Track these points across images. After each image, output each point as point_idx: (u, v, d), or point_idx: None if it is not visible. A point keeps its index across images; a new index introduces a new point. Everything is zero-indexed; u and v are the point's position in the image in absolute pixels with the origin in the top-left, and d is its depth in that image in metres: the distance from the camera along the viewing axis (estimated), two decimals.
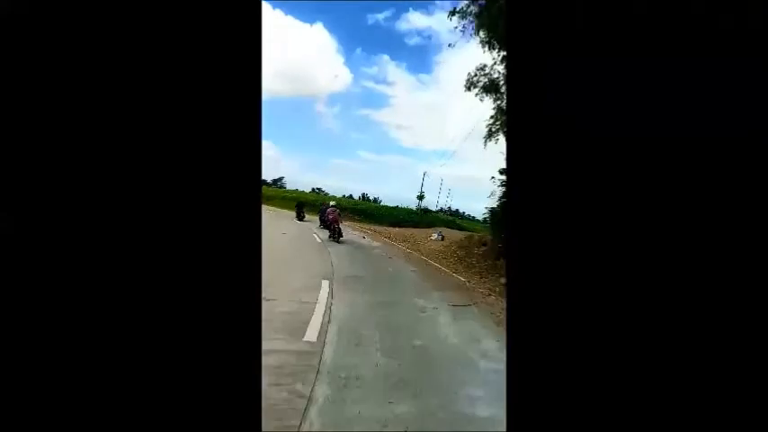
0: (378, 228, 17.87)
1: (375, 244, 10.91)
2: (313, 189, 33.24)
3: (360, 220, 20.09)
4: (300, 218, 14.63)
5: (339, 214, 9.71)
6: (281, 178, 39.23)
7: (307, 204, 18.01)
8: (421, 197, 28.07)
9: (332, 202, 11.34)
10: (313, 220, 14.76)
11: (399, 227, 19.66)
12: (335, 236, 9.24)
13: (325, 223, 10.23)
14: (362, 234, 13.66)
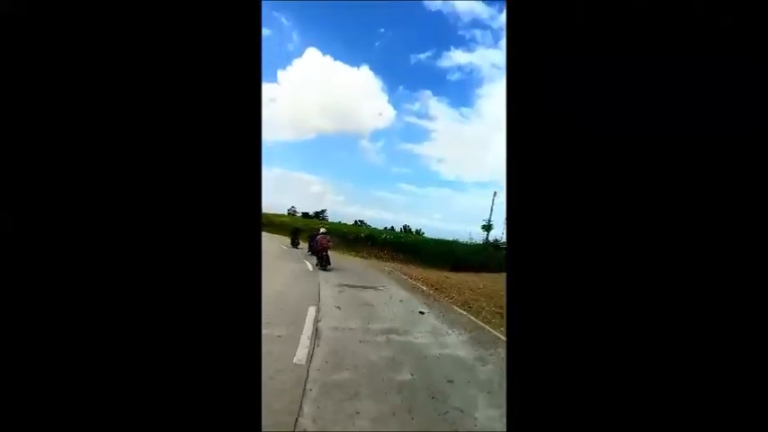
0: (432, 274, 10.33)
1: (450, 335, 4.05)
2: (355, 222, 30.54)
3: (404, 260, 13.94)
4: (295, 245, 13.77)
5: (328, 241, 9.39)
6: (323, 211, 39.05)
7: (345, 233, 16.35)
8: (488, 228, 20.07)
9: (322, 229, 10.49)
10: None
11: (461, 270, 13.04)
12: (323, 263, 8.79)
13: (314, 249, 10.04)
14: (416, 296, 6.55)
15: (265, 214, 28.09)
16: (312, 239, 10.74)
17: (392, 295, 6.28)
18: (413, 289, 7.37)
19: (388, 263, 12.84)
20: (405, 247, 15.73)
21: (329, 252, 9.04)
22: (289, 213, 33.01)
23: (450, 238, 18.79)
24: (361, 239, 17.04)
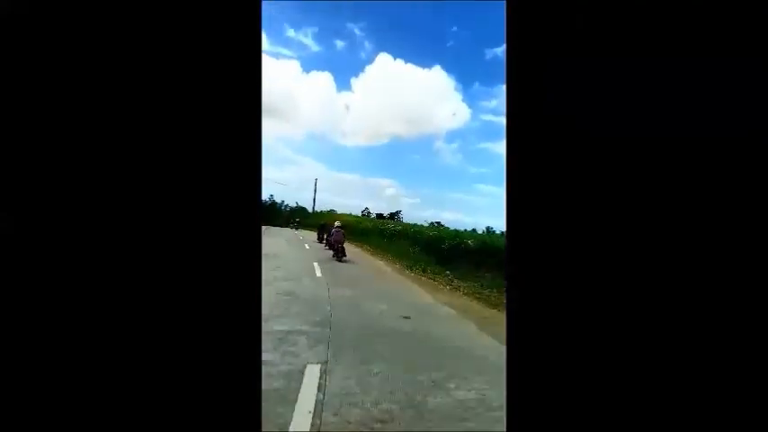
0: None
1: None
2: (431, 223, 27.69)
3: None
4: (320, 240, 14.10)
5: (343, 235, 10.13)
6: (397, 212, 38.91)
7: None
8: None
9: (337, 223, 11.37)
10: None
11: None
12: (338, 255, 9.54)
13: (330, 242, 10.77)
14: None
15: (332, 215, 27.42)
16: (329, 234, 11.38)
17: None
18: None
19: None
20: None
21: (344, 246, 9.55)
22: (362, 215, 33.07)
23: None
24: (461, 253, 8.93)
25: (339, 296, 5.10)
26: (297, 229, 22.87)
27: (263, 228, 23.01)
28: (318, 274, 6.83)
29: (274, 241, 13.29)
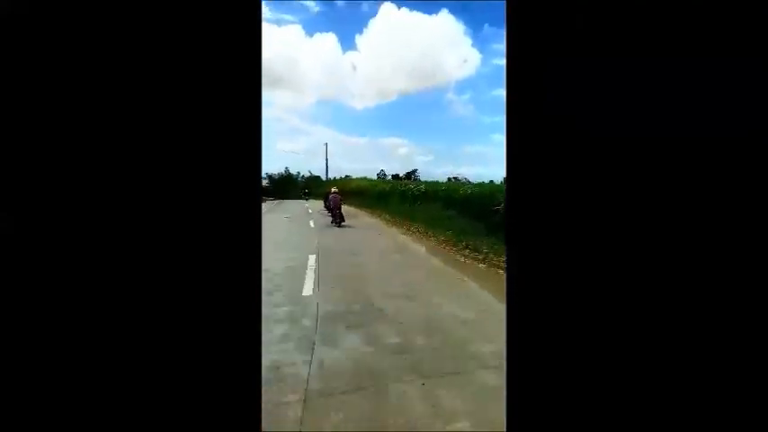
0: None
1: None
2: (449, 179, 27.10)
3: None
4: (327, 207, 14.37)
5: (340, 200, 10.54)
6: (414, 171, 38.72)
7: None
8: None
9: (333, 189, 11.76)
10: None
11: None
12: (337, 220, 9.84)
13: (329, 207, 11.23)
14: None
15: (347, 180, 26.91)
16: (326, 199, 12.00)
17: None
18: None
19: None
20: None
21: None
22: (378, 177, 32.80)
23: None
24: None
25: (336, 373, 2.46)
26: (307, 199, 23.15)
27: (276, 202, 22.33)
28: (307, 290, 4.22)
29: (276, 218, 12.77)
